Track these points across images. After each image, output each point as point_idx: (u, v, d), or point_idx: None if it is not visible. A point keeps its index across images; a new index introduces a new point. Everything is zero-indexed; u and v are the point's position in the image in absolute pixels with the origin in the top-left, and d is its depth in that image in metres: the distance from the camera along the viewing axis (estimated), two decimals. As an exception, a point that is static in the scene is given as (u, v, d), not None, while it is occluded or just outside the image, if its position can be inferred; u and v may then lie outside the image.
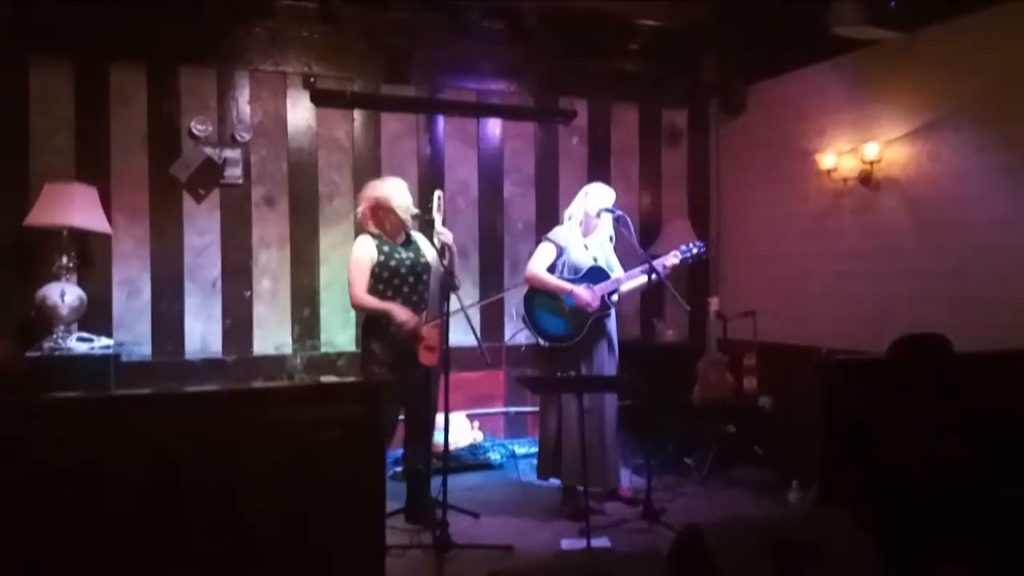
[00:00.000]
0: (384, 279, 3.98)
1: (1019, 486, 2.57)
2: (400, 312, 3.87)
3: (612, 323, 4.33)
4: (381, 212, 3.99)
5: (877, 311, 4.79)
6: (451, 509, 3.84)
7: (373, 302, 3.94)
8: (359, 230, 4.15)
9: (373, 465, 2.43)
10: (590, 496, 3.86)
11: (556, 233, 4.38)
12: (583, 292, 4.17)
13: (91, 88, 4.72)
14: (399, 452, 4.35)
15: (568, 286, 4.20)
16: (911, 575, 2.41)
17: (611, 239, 4.41)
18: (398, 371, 3.86)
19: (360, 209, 4.05)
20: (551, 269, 4.32)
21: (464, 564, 3.50)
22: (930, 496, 2.57)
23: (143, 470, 2.07)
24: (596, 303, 4.18)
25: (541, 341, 4.27)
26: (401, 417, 4.11)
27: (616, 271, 4.33)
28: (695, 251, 4.28)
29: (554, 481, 4.37)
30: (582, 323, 4.18)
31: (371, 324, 4.00)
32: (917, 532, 2.51)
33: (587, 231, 4.36)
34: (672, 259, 4.22)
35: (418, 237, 4.13)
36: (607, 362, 4.28)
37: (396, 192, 3.98)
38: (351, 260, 4.01)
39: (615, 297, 4.29)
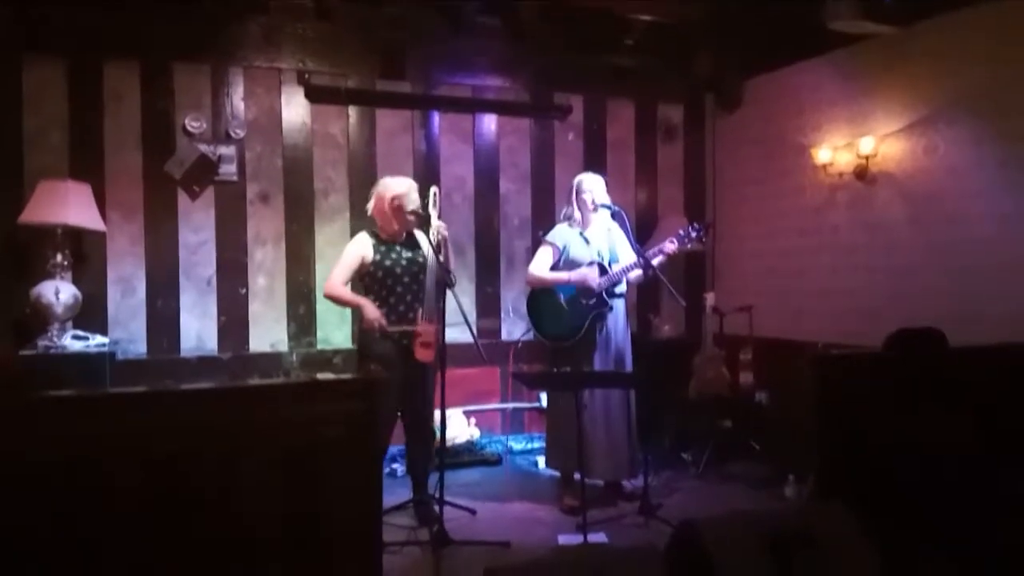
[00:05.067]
0: (378, 279, 3.98)
1: (1015, 479, 2.58)
2: (370, 310, 3.90)
3: (618, 318, 4.28)
4: (391, 210, 3.99)
5: (873, 305, 4.80)
6: (448, 505, 3.84)
7: (346, 294, 4.01)
8: (368, 226, 4.15)
9: (370, 462, 2.43)
10: (591, 487, 3.86)
11: (554, 234, 4.37)
12: (582, 273, 4.18)
13: (85, 85, 4.70)
14: (396, 448, 4.34)
15: (567, 275, 4.21)
16: (907, 568, 2.41)
17: (613, 217, 4.33)
18: (395, 368, 3.86)
19: (371, 204, 4.06)
20: (552, 269, 4.32)
21: (461, 560, 3.50)
22: (926, 489, 2.57)
23: (139, 468, 2.06)
24: (597, 277, 4.16)
25: (545, 341, 4.31)
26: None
27: (622, 258, 4.27)
28: (694, 234, 4.09)
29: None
30: (581, 322, 4.18)
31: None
32: (913, 525, 2.52)
33: (585, 224, 4.35)
34: (670, 245, 4.08)
35: (419, 235, 4.11)
36: (611, 359, 4.25)
37: (408, 193, 3.99)
38: (343, 252, 4.07)
39: (619, 289, 4.26)
